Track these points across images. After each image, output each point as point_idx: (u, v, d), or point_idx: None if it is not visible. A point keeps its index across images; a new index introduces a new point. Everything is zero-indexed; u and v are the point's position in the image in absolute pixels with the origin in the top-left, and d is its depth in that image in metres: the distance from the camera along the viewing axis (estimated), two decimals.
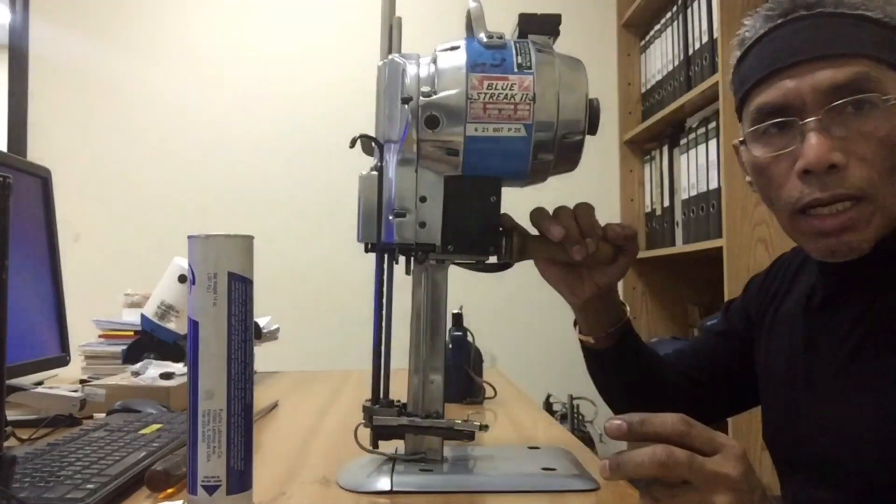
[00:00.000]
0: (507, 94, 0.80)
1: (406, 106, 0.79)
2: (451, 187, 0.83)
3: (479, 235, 0.84)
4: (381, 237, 0.83)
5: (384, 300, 0.84)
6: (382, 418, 0.83)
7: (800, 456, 0.85)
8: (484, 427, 0.84)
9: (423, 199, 0.82)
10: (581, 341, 1.02)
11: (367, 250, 0.85)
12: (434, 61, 0.81)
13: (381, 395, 0.84)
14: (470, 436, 0.83)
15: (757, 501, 0.60)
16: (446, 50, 0.82)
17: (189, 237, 0.67)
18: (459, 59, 0.81)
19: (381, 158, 0.83)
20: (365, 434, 0.84)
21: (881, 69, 0.71)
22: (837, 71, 0.71)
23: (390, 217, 0.82)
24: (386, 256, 0.85)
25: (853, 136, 0.71)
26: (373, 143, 0.84)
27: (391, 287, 0.85)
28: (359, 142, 0.85)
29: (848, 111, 0.71)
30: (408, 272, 0.86)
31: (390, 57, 0.84)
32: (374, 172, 0.83)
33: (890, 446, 0.72)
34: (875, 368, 0.76)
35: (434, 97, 0.79)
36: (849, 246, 0.73)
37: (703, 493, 0.58)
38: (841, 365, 0.79)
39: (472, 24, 0.85)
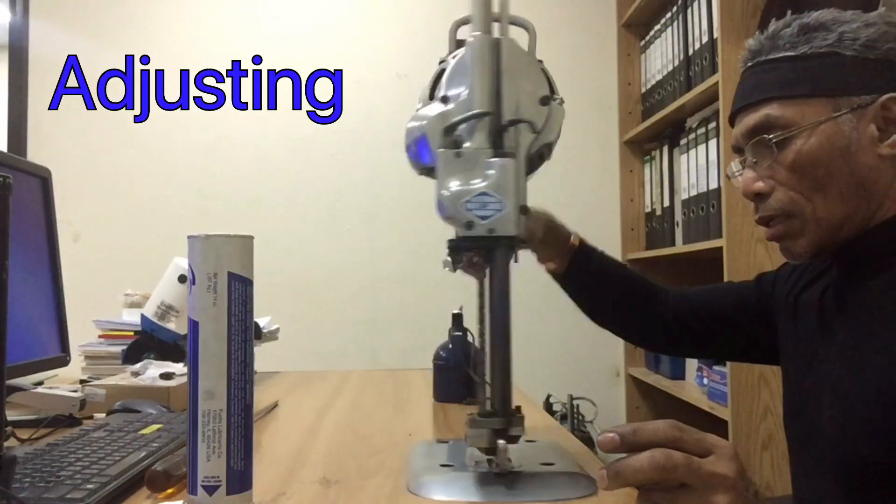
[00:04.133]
0: None
1: (543, 107, 0.81)
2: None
3: None
4: (509, 230, 0.80)
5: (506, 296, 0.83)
6: (518, 427, 0.82)
7: (808, 436, 0.88)
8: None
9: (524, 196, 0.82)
10: (547, 270, 1.13)
11: (455, 246, 0.83)
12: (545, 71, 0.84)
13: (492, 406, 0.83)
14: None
15: (751, 499, 0.61)
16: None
17: (189, 237, 0.67)
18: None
19: (499, 144, 0.81)
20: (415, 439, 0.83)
21: (786, 105, 0.85)
22: (751, 117, 0.87)
23: (518, 212, 0.80)
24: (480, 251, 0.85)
25: (775, 165, 0.86)
26: (508, 127, 0.81)
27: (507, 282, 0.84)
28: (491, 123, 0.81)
29: (766, 145, 0.85)
30: (501, 270, 0.84)
31: (525, 48, 0.85)
32: (513, 159, 0.80)
33: (887, 425, 0.75)
34: (878, 348, 0.78)
35: (562, 106, 0.83)
36: (789, 251, 0.88)
37: (702, 494, 0.60)
38: (850, 346, 0.83)
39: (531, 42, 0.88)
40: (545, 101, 0.81)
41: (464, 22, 0.88)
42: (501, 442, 0.80)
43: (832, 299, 0.90)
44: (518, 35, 0.88)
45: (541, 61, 0.86)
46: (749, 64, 0.90)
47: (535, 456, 0.89)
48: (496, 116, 0.81)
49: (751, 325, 1.06)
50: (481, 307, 0.85)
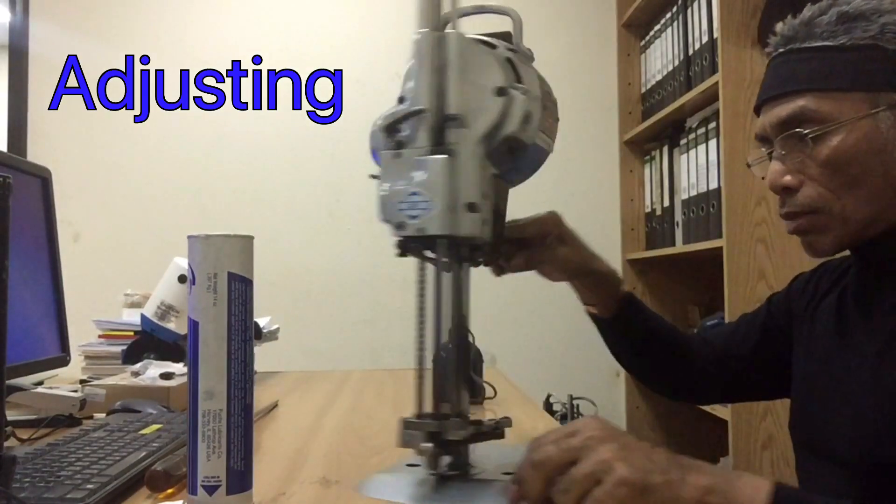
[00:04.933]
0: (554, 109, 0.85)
1: (499, 98, 0.78)
2: (499, 187, 0.82)
3: (500, 238, 0.84)
4: (448, 230, 0.77)
5: (441, 300, 0.81)
6: (456, 432, 0.78)
7: (823, 442, 0.87)
8: (506, 420, 0.83)
9: (485, 196, 0.79)
10: (587, 312, 1.09)
11: (405, 246, 0.80)
12: (511, 59, 0.81)
13: (420, 406, 0.81)
14: (501, 434, 0.82)
15: (634, 441, 0.64)
16: (514, 51, 0.83)
17: (189, 237, 0.67)
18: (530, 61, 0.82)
19: (441, 141, 0.77)
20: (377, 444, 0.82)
21: (822, 97, 0.81)
22: (783, 108, 0.83)
23: (462, 210, 0.77)
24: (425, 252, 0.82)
25: (806, 160, 0.82)
26: (446, 125, 0.78)
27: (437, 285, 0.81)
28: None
29: (799, 139, 0.82)
30: (444, 269, 0.81)
31: (471, 36, 0.81)
32: (445, 156, 0.77)
33: None
34: None
35: (525, 96, 0.79)
36: (812, 246, 0.86)
37: (585, 458, 0.62)
38: (873, 356, 0.81)
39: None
40: (501, 91, 0.78)
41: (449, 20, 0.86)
42: (428, 446, 0.76)
43: (851, 300, 0.88)
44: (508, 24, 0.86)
45: (529, 50, 0.83)
46: (781, 51, 0.85)
47: (506, 463, 0.86)
48: (437, 113, 0.78)
49: (774, 350, 1.02)
50: (438, 306, 0.82)
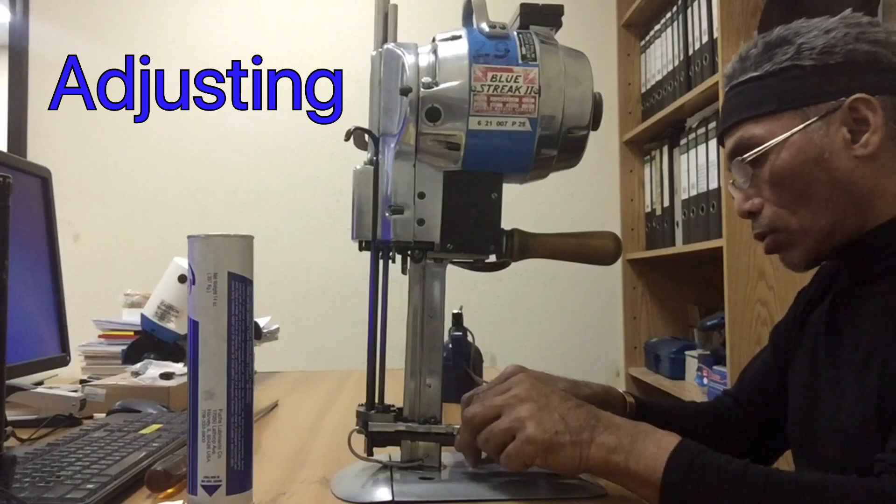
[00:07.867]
0: (511, 87, 0.77)
1: (405, 98, 0.76)
2: (451, 183, 0.80)
3: (479, 233, 0.81)
4: (376, 234, 0.80)
5: (379, 300, 0.82)
6: (378, 424, 0.80)
7: (815, 451, 0.86)
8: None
9: (421, 196, 0.79)
10: None
11: (361, 248, 0.82)
12: (434, 51, 0.78)
13: (377, 400, 0.82)
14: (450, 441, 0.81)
15: (557, 402, 0.73)
16: (447, 39, 0.79)
17: (189, 237, 0.67)
18: (461, 48, 0.78)
19: (377, 152, 0.80)
20: (359, 440, 0.81)
21: (756, 124, 0.86)
22: (728, 141, 0.90)
23: (387, 214, 0.79)
24: (381, 255, 0.83)
25: (760, 183, 0.87)
26: (367, 137, 0.80)
27: (387, 287, 0.82)
28: (352, 136, 0.82)
29: (743, 165, 0.87)
30: (404, 271, 0.83)
31: (386, 46, 0.81)
32: (370, 167, 0.80)
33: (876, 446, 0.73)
34: (883, 364, 0.76)
35: (435, 89, 0.76)
36: (785, 262, 0.90)
37: (506, 417, 0.73)
38: (858, 362, 0.80)
39: (471, 13, 0.82)
40: (405, 91, 0.77)
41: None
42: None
43: (840, 305, 0.89)
44: (502, 14, 0.84)
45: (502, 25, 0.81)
46: (726, 88, 0.92)
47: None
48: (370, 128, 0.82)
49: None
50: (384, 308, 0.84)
